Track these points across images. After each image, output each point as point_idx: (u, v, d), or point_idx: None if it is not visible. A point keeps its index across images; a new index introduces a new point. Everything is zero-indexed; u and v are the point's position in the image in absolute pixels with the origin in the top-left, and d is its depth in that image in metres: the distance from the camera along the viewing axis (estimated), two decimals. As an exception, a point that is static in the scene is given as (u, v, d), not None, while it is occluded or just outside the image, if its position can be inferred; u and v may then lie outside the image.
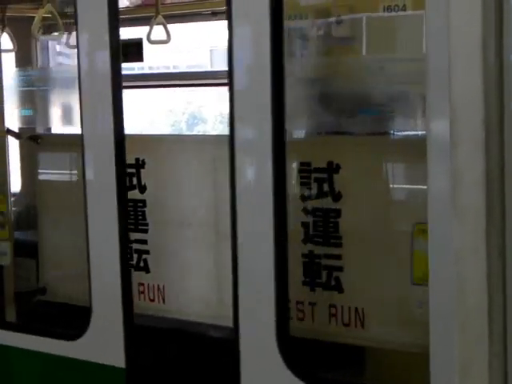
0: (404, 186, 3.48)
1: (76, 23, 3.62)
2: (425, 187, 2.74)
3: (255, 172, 3.17)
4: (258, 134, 3.15)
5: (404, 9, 3.78)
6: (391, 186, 3.44)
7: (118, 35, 3.52)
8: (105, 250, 3.61)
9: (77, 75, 3.64)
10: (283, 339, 3.09)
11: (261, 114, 3.09)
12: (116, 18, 3.51)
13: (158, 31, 4.73)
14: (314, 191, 3.45)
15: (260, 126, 3.12)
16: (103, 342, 3.65)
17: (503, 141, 2.77)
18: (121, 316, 3.55)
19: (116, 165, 3.52)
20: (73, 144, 4.46)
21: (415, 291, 3.09)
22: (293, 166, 3.52)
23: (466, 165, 2.73)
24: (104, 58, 3.51)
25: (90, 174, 3.65)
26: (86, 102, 3.62)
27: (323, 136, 3.76)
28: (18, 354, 4.00)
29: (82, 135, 3.63)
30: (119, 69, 3.51)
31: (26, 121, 4.85)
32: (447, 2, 2.68)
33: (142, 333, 3.67)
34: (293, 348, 3.10)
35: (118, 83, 3.51)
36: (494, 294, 2.74)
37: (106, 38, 3.49)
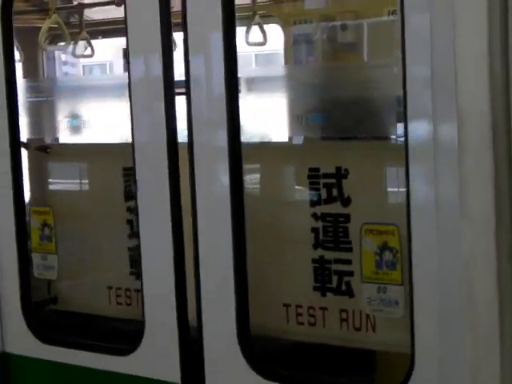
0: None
1: (126, 28, 3.53)
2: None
3: (213, 177, 3.33)
4: (215, 142, 3.31)
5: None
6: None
7: (170, 39, 3.43)
8: (159, 262, 3.52)
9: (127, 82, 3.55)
10: (244, 338, 3.27)
11: (216, 122, 3.27)
12: (169, 21, 3.42)
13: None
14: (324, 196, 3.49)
15: (217, 133, 3.29)
16: (157, 357, 3.54)
17: (511, 144, 2.79)
18: (176, 329, 3.46)
19: (169, 173, 3.43)
20: (83, 154, 4.50)
21: (365, 289, 3.22)
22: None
23: (474, 169, 2.76)
24: (156, 63, 3.43)
25: (141, 184, 3.54)
26: (137, 109, 3.54)
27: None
28: (64, 370, 3.90)
29: (132, 144, 3.55)
30: (172, 74, 3.43)
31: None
32: (453, 8, 2.71)
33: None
34: (253, 347, 3.29)
35: (171, 89, 3.42)
36: (504, 296, 2.76)
37: (158, 42, 3.41)
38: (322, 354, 3.49)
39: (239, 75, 3.42)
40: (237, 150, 3.29)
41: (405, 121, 2.85)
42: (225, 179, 3.29)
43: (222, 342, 3.36)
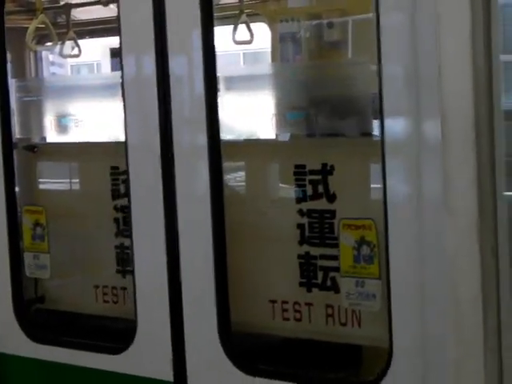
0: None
1: (119, 26, 3.54)
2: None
3: (194, 175, 3.39)
4: (194, 140, 3.38)
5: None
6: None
7: (165, 38, 3.41)
8: (152, 260, 3.53)
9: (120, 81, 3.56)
10: (225, 335, 3.33)
11: (197, 123, 3.33)
12: (163, 19, 3.41)
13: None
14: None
15: (196, 133, 3.35)
16: (150, 355, 3.55)
17: (493, 140, 2.81)
18: (168, 327, 3.47)
19: (163, 172, 3.44)
20: (70, 153, 4.51)
21: (343, 283, 3.30)
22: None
23: (457, 166, 2.79)
24: (150, 62, 3.44)
25: (135, 184, 3.54)
26: (131, 108, 3.54)
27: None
28: (57, 369, 3.89)
29: (125, 142, 3.55)
30: (167, 73, 3.42)
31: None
32: (436, 6, 2.73)
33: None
34: (238, 343, 3.35)
35: (165, 88, 3.42)
36: (488, 293, 2.79)
37: (152, 41, 3.42)
38: (308, 349, 3.53)
39: (223, 74, 3.47)
40: (217, 148, 3.34)
41: (381, 118, 2.90)
42: (205, 177, 3.33)
43: (203, 338, 3.39)
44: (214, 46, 3.35)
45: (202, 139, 3.34)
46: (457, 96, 2.78)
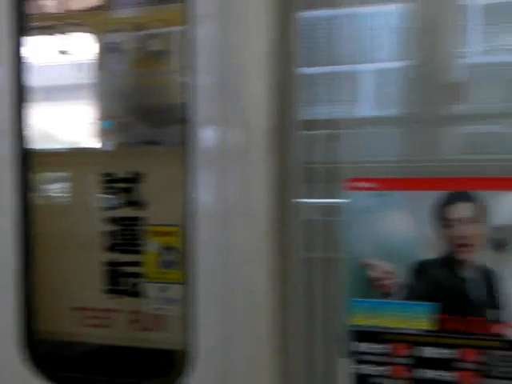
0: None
1: None
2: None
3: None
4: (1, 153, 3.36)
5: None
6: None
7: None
8: None
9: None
10: (27, 345, 3.34)
11: (4, 134, 3.33)
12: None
13: None
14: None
15: (3, 144, 3.35)
16: None
17: (288, 147, 2.96)
18: None
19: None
20: None
21: (148, 289, 3.41)
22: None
23: (255, 173, 2.92)
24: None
25: None
26: None
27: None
28: None
29: None
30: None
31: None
32: (236, 17, 2.86)
33: None
34: (38, 352, 3.36)
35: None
36: (278, 292, 2.94)
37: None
38: (119, 358, 3.56)
39: (41, 84, 3.46)
40: (25, 158, 3.36)
41: (192, 127, 3.00)
42: (11, 188, 3.34)
43: (4, 351, 3.37)
44: (23, 56, 3.36)
45: (10, 150, 3.34)
46: (255, 107, 2.92)
